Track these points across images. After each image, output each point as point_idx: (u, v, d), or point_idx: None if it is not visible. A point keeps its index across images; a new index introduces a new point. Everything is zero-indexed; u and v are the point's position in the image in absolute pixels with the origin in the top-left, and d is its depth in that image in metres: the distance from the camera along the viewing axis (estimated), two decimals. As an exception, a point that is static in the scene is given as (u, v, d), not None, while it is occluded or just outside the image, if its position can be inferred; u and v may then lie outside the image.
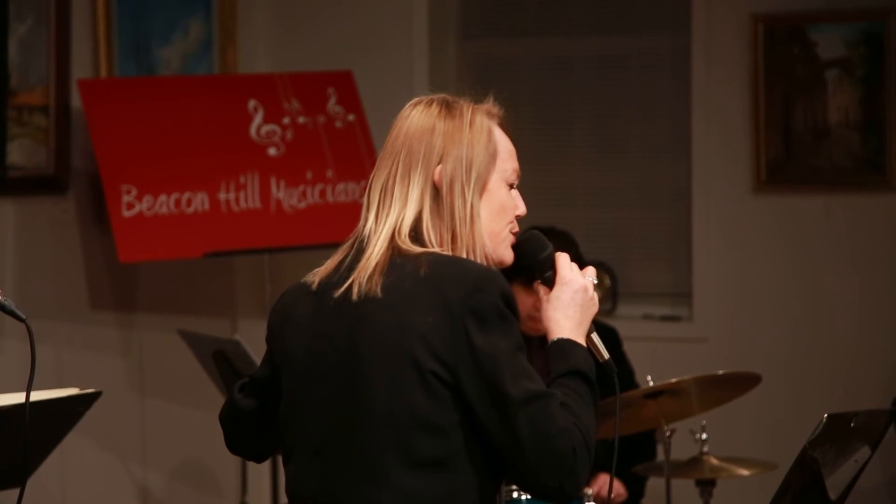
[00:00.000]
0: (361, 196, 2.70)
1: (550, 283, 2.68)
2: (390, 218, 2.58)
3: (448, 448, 2.47)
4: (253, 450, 2.88)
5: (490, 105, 2.70)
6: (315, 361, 2.58)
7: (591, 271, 2.70)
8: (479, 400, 2.45)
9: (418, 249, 2.55)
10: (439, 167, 2.59)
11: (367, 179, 2.69)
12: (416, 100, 2.69)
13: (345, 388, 2.53)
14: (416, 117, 2.64)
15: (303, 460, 2.60)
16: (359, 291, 2.53)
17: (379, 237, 2.57)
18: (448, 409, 2.47)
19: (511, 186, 2.67)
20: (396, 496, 2.47)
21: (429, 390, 2.46)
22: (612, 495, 4.65)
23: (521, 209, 2.69)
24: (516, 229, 2.69)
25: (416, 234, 2.57)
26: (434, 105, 2.65)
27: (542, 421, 2.44)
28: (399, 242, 2.56)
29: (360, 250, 2.59)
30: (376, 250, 2.56)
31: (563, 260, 2.68)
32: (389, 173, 2.61)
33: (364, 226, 2.61)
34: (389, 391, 2.48)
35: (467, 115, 2.64)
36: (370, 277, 2.53)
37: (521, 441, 2.44)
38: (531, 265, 2.70)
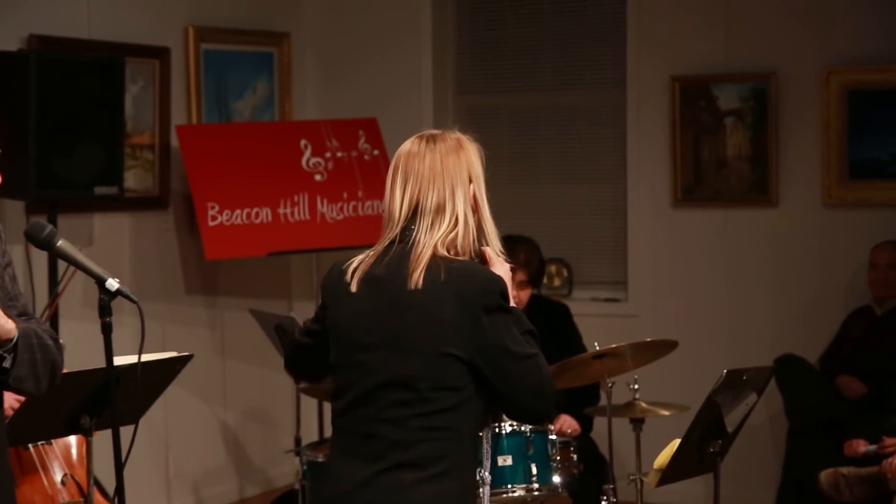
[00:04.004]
0: (383, 210, 2.60)
1: None
2: (441, 227, 2.51)
3: (459, 398, 2.49)
4: (303, 372, 2.86)
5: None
6: (360, 334, 2.53)
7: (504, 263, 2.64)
8: (488, 365, 2.47)
9: (451, 256, 2.50)
10: (472, 185, 2.55)
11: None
12: (428, 133, 2.59)
13: (385, 357, 2.50)
14: (443, 148, 2.56)
15: (349, 402, 2.56)
16: (402, 285, 2.48)
17: (427, 243, 2.50)
18: (462, 375, 2.48)
19: None
20: (420, 431, 2.49)
21: (450, 364, 2.47)
22: (570, 431, 4.64)
23: None
24: None
25: (454, 240, 2.52)
26: (449, 138, 2.58)
27: (534, 372, 2.49)
28: (441, 249, 2.50)
29: (404, 252, 2.51)
30: (423, 253, 2.49)
31: (489, 252, 2.59)
32: (439, 193, 2.52)
33: (414, 231, 2.52)
34: (421, 363, 2.48)
35: (468, 143, 2.59)
36: (412, 274, 2.48)
37: (520, 386, 2.48)
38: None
